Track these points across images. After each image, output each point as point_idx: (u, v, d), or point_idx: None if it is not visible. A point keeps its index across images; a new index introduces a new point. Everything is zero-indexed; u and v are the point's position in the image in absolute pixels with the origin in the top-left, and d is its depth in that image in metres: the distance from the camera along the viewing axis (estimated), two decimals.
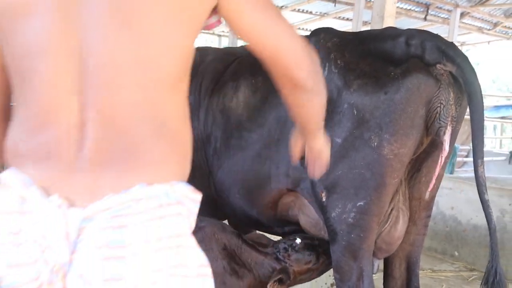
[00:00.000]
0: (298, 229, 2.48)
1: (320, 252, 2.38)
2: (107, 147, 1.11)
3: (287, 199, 2.38)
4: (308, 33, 2.50)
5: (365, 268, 2.15)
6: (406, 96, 2.04)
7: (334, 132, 2.10)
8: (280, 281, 2.34)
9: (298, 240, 2.40)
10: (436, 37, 2.20)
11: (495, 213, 5.19)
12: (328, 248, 2.31)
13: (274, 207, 2.42)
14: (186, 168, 1.23)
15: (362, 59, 2.11)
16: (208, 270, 1.20)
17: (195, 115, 2.61)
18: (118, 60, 1.11)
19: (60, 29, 1.12)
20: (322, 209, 2.20)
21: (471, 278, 4.93)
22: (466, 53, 2.29)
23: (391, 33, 2.24)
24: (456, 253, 5.51)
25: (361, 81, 2.07)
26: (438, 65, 2.07)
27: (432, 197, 2.38)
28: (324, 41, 2.22)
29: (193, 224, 1.21)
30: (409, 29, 2.24)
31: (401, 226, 2.28)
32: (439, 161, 2.17)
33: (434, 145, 2.21)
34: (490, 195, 4.98)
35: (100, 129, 1.11)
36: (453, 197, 5.57)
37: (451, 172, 9.11)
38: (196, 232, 1.82)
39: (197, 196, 1.22)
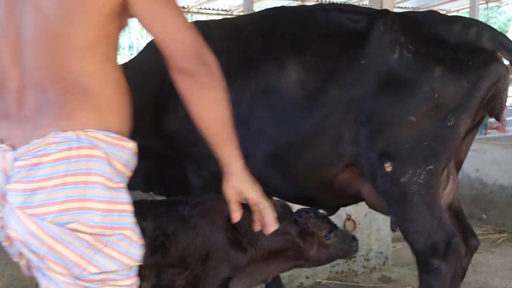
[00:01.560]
0: (348, 203, 2.72)
1: (336, 230, 2.41)
2: (37, 106, 1.43)
3: (346, 174, 2.49)
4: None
5: (442, 216, 2.39)
6: (486, 85, 2.31)
7: (408, 109, 2.31)
8: (302, 236, 2.34)
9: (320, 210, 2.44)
10: (489, 26, 2.48)
11: (508, 173, 5.14)
12: (345, 237, 2.42)
13: (332, 184, 2.52)
14: (106, 119, 1.44)
15: (432, 45, 2.33)
16: (110, 206, 1.39)
17: None
18: (36, 38, 1.43)
19: (6, 21, 1.47)
20: (385, 178, 2.35)
21: (499, 240, 4.87)
22: (498, 11, 2.49)
23: (444, 18, 2.50)
24: (484, 216, 5.42)
25: (443, 68, 2.29)
26: (499, 53, 2.35)
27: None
28: (391, 23, 2.37)
29: (120, 167, 1.43)
30: (454, 16, 2.52)
31: (454, 184, 2.63)
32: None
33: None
34: (506, 155, 4.94)
35: (33, 92, 1.43)
36: (477, 158, 5.47)
37: (483, 134, 8.96)
38: (200, 205, 1.81)
39: (122, 142, 1.44)
